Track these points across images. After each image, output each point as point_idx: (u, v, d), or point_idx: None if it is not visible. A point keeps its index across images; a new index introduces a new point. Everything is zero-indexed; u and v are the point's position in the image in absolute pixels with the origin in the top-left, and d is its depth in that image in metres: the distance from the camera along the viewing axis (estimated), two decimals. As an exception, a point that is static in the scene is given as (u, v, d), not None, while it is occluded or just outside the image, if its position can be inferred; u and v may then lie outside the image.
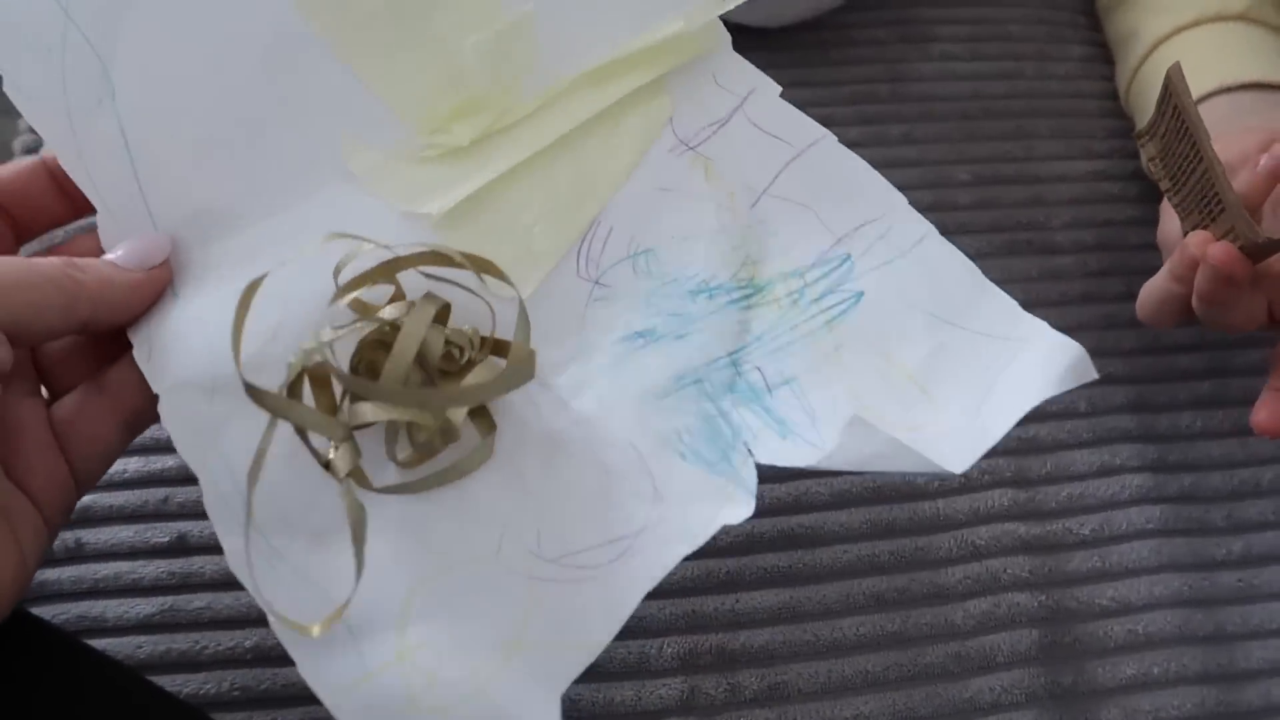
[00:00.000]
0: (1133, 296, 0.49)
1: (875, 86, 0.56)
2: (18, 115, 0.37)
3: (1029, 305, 0.48)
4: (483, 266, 0.33)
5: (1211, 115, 0.43)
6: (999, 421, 0.33)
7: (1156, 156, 0.40)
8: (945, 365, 0.35)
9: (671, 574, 0.31)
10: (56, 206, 0.34)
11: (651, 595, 0.31)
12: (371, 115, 0.36)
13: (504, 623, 0.31)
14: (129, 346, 0.33)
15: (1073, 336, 0.47)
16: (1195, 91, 0.44)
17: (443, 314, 0.33)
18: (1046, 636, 0.40)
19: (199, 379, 0.32)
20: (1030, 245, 0.51)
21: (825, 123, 0.54)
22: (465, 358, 0.33)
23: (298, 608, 0.29)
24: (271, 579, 0.30)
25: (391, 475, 0.33)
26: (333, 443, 0.31)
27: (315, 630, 0.29)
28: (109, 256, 0.32)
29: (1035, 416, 0.45)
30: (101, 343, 0.34)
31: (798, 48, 0.57)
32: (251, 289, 0.30)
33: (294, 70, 0.35)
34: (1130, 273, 0.50)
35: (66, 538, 0.40)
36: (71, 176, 0.33)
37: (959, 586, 0.41)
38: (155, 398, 0.32)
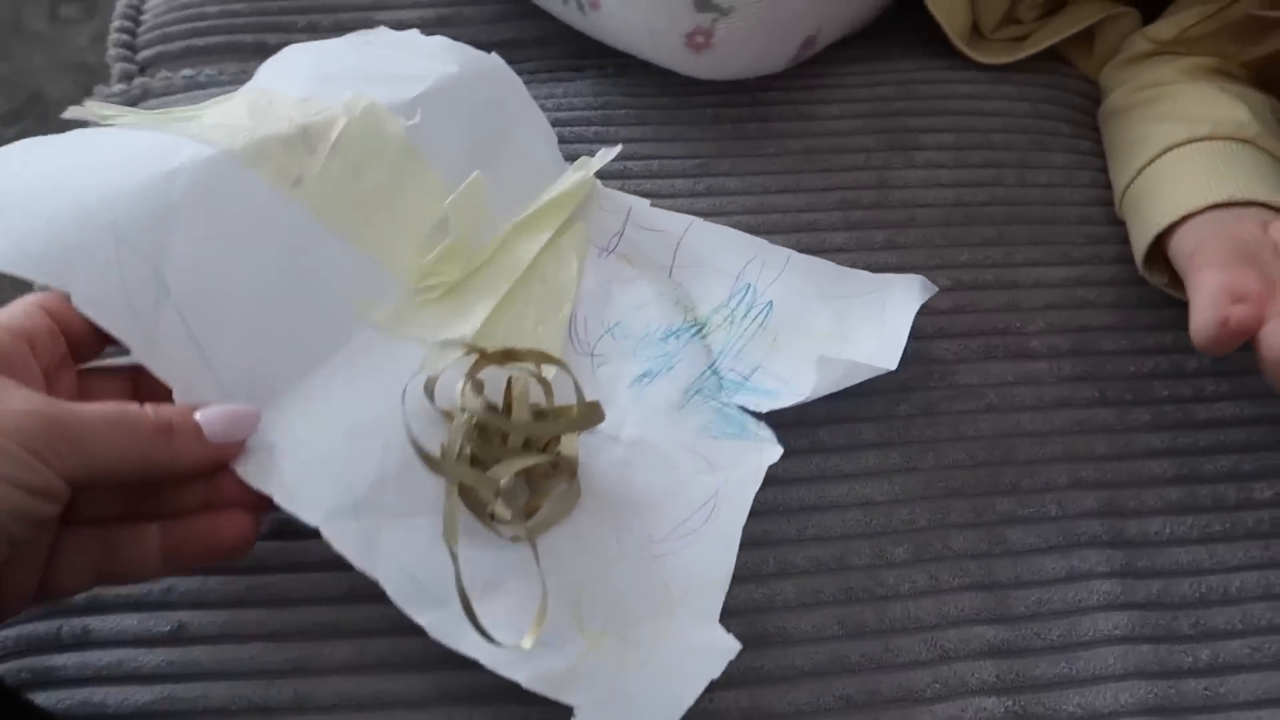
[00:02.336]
0: (1106, 403, 0.51)
1: (861, 193, 0.58)
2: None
3: (1004, 409, 0.51)
4: (540, 357, 0.45)
5: (1221, 220, 0.47)
6: (899, 331, 0.49)
7: None
8: (848, 319, 0.51)
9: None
10: (56, 347, 0.37)
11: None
12: (376, 277, 0.45)
13: (651, 595, 0.41)
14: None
15: (1046, 441, 0.49)
16: (1208, 198, 0.48)
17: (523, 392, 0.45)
18: (1011, 741, 0.41)
19: (342, 506, 0.38)
20: (1006, 350, 0.53)
21: (813, 227, 0.57)
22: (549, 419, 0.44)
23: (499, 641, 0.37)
24: (463, 632, 0.37)
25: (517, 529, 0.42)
26: (484, 499, 0.41)
27: (527, 643, 0.37)
28: (200, 418, 0.36)
29: (1004, 520, 0.47)
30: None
31: (789, 154, 0.60)
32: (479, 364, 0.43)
33: (309, 253, 0.43)
34: (1104, 379, 0.52)
35: (75, 624, 0.42)
36: (147, 366, 0.38)
37: (927, 690, 0.42)
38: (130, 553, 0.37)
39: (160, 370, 0.38)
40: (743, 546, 0.45)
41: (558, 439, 0.44)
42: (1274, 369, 0.39)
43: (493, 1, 0.68)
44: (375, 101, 0.47)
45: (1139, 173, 0.54)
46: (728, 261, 0.53)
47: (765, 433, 0.47)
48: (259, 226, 0.42)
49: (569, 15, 0.62)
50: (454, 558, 0.37)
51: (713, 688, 0.40)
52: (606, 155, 0.54)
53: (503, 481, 0.40)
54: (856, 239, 0.56)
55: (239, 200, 0.41)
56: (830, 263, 0.53)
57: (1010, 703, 0.42)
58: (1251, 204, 0.48)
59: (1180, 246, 0.49)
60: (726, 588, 0.42)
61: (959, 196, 0.59)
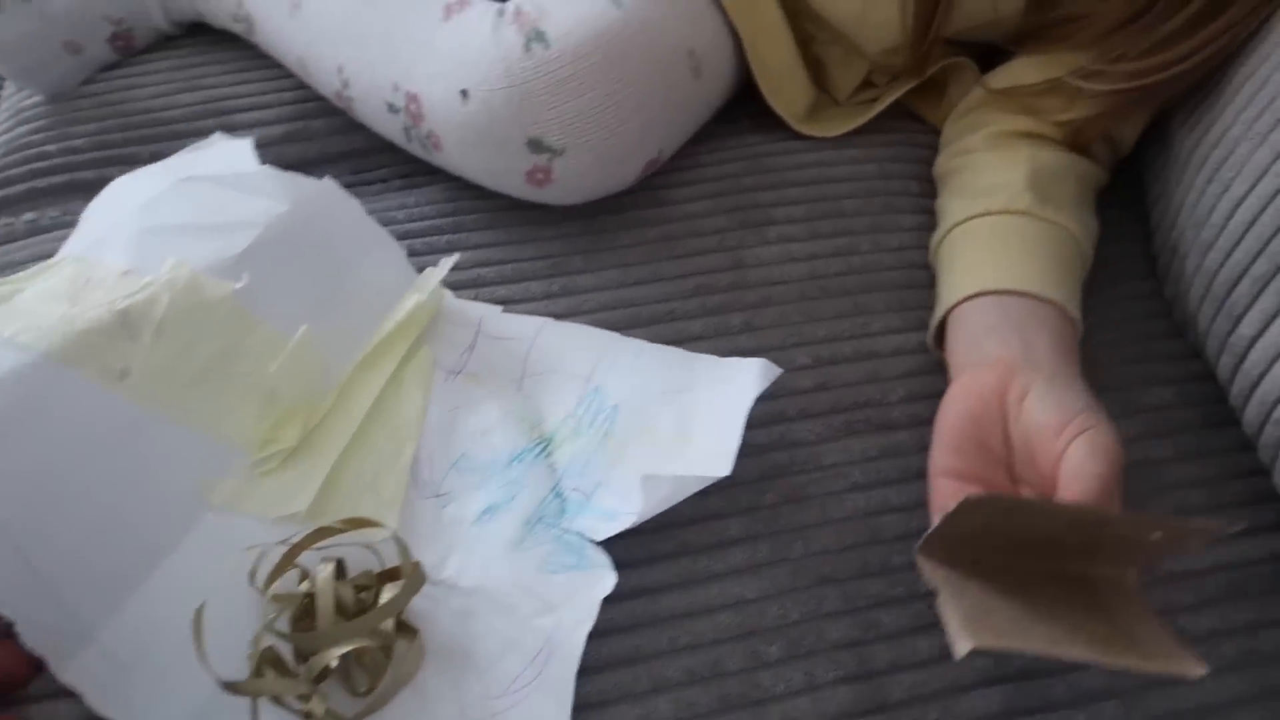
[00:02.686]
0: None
1: (717, 277, 0.59)
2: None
3: (869, 485, 0.51)
4: (357, 524, 0.44)
5: (969, 317, 0.50)
6: (734, 430, 0.48)
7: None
8: (690, 417, 0.50)
9: None
10: None
11: None
12: (215, 454, 0.45)
13: None
14: None
15: (913, 514, 0.49)
16: (962, 292, 0.51)
17: (341, 571, 0.45)
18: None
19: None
20: (869, 423, 0.53)
21: (670, 317, 0.57)
22: (374, 593, 0.44)
23: None
24: None
25: (359, 706, 0.42)
26: (302, 700, 0.40)
27: None
28: None
29: (876, 602, 0.47)
30: None
31: (644, 243, 0.60)
32: (198, 615, 0.40)
33: (142, 446, 0.43)
34: (964, 444, 0.52)
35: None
36: None
37: (808, 793, 0.42)
38: None
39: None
40: (614, 667, 0.44)
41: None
42: None
43: (340, 113, 0.67)
44: (197, 274, 0.46)
45: (936, 247, 0.57)
46: (578, 362, 0.53)
47: (601, 559, 0.47)
48: (86, 430, 0.42)
49: (414, 149, 0.62)
50: None
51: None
52: (443, 269, 0.54)
53: (313, 679, 0.41)
54: (714, 325, 0.56)
55: (62, 406, 0.41)
56: (679, 351, 0.54)
57: (891, 797, 0.42)
58: (1001, 293, 0.50)
59: (949, 341, 0.52)
60: None
61: (813, 270, 0.59)
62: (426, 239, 0.60)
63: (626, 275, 0.59)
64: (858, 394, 0.54)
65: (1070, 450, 0.42)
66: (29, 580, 0.38)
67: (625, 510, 0.47)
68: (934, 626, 0.46)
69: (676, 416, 0.51)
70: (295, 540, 0.43)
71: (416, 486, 0.49)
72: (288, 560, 0.44)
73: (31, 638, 0.39)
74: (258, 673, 0.41)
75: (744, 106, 0.68)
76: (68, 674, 0.40)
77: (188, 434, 0.44)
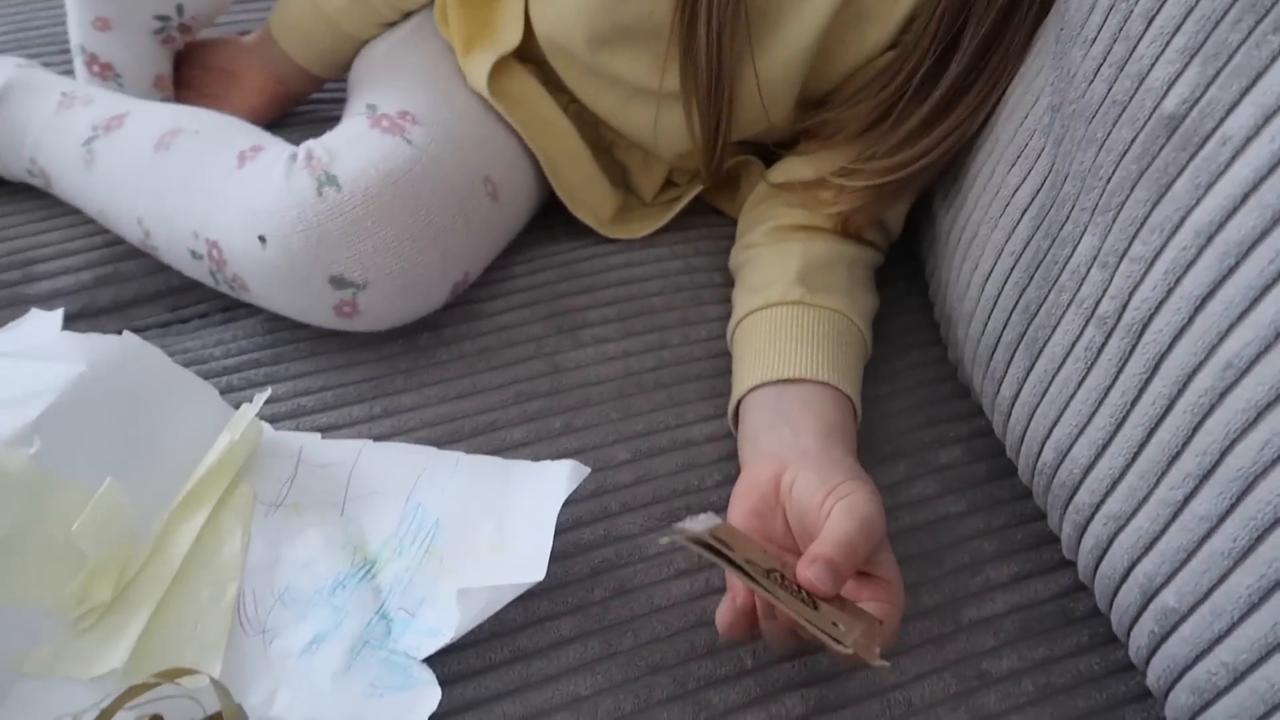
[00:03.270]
0: (779, 546, 0.54)
1: (536, 383, 0.61)
2: None
3: (692, 570, 0.53)
4: (172, 674, 0.43)
5: (749, 413, 0.55)
6: (544, 534, 0.50)
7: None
8: (507, 525, 0.52)
9: None
10: None
11: None
12: (25, 622, 0.45)
13: None
14: None
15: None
16: (745, 385, 0.56)
17: None
18: None
19: None
20: (688, 509, 0.56)
21: (492, 428, 0.59)
22: None
23: None
24: None
25: None
26: None
27: None
28: None
29: (705, 683, 0.49)
30: None
31: (463, 357, 0.62)
32: None
33: None
34: (777, 520, 0.55)
35: None
36: None
37: None
38: None
39: None
40: (454, 784, 0.45)
41: None
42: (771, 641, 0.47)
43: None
44: None
45: (730, 339, 0.62)
46: (398, 481, 0.54)
47: (426, 676, 0.47)
48: None
49: (223, 290, 0.63)
50: None
51: None
52: (256, 405, 0.55)
53: None
54: (535, 430, 0.59)
55: None
56: (495, 460, 0.55)
57: None
58: (771, 383, 0.55)
59: (738, 434, 0.57)
60: None
61: (628, 367, 0.62)
62: (244, 374, 0.61)
63: (447, 390, 0.60)
64: (676, 482, 0.57)
65: (831, 513, 0.45)
66: None
67: (446, 625, 0.48)
68: (765, 698, 0.49)
69: (495, 524, 0.52)
70: (106, 705, 0.42)
71: (241, 626, 0.49)
72: (105, 716, 0.42)
73: None
74: None
75: (556, 213, 0.71)
76: None
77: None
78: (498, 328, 0.64)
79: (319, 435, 0.56)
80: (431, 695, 0.46)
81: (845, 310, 0.58)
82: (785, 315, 0.57)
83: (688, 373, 0.62)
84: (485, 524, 0.52)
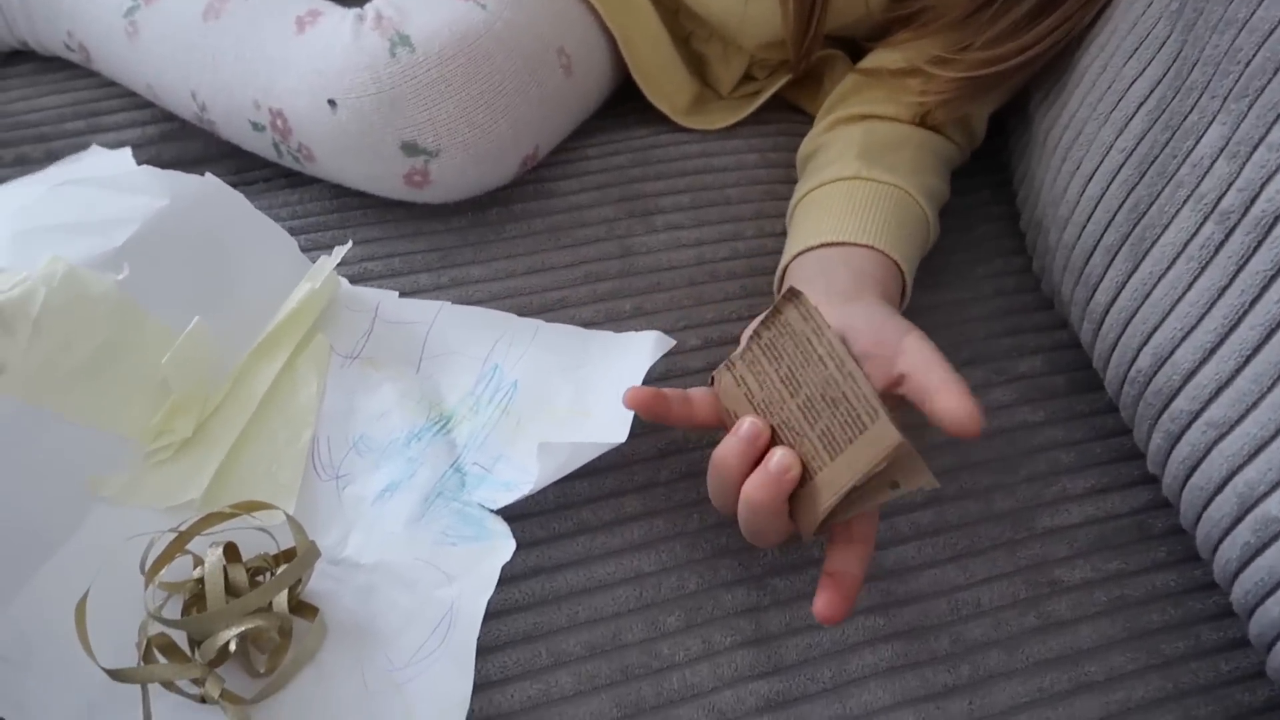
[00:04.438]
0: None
1: (606, 264, 0.59)
2: None
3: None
4: (249, 508, 0.44)
5: (792, 276, 0.53)
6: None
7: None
8: (587, 391, 0.51)
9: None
10: None
11: None
12: (105, 448, 0.45)
13: None
14: None
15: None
16: (788, 256, 0.54)
17: (233, 553, 0.44)
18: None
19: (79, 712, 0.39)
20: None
21: (561, 305, 0.58)
22: (270, 576, 0.44)
23: None
24: None
25: (260, 687, 0.42)
26: (198, 682, 0.39)
27: None
28: None
29: (770, 570, 0.48)
30: None
31: (532, 234, 0.61)
32: (81, 606, 0.38)
33: (26, 442, 0.42)
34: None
35: None
36: None
37: (710, 756, 0.43)
38: None
39: None
40: (514, 643, 0.44)
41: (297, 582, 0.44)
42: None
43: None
44: (74, 266, 0.45)
45: (788, 223, 0.59)
46: (477, 343, 0.54)
47: (501, 528, 0.47)
48: None
49: (286, 163, 0.61)
50: None
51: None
52: (336, 257, 0.54)
53: (215, 653, 0.40)
54: (605, 310, 0.57)
55: None
56: (576, 328, 0.55)
57: (790, 754, 0.43)
58: (819, 246, 0.53)
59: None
60: (467, 706, 0.42)
61: (700, 255, 0.60)
62: (312, 235, 0.59)
63: (516, 265, 0.59)
64: (747, 372, 0.55)
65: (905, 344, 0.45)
66: None
67: (523, 480, 0.47)
68: (826, 589, 0.48)
69: (574, 391, 0.52)
70: (184, 528, 0.42)
71: (315, 470, 0.49)
72: (176, 546, 0.43)
73: None
74: (147, 660, 0.40)
75: (630, 101, 0.69)
76: None
77: (74, 428, 0.44)
78: (569, 207, 0.62)
79: (396, 293, 0.55)
80: (505, 546, 0.46)
81: (905, 186, 0.56)
82: (837, 190, 0.56)
83: (763, 265, 0.60)
84: (565, 389, 0.52)
